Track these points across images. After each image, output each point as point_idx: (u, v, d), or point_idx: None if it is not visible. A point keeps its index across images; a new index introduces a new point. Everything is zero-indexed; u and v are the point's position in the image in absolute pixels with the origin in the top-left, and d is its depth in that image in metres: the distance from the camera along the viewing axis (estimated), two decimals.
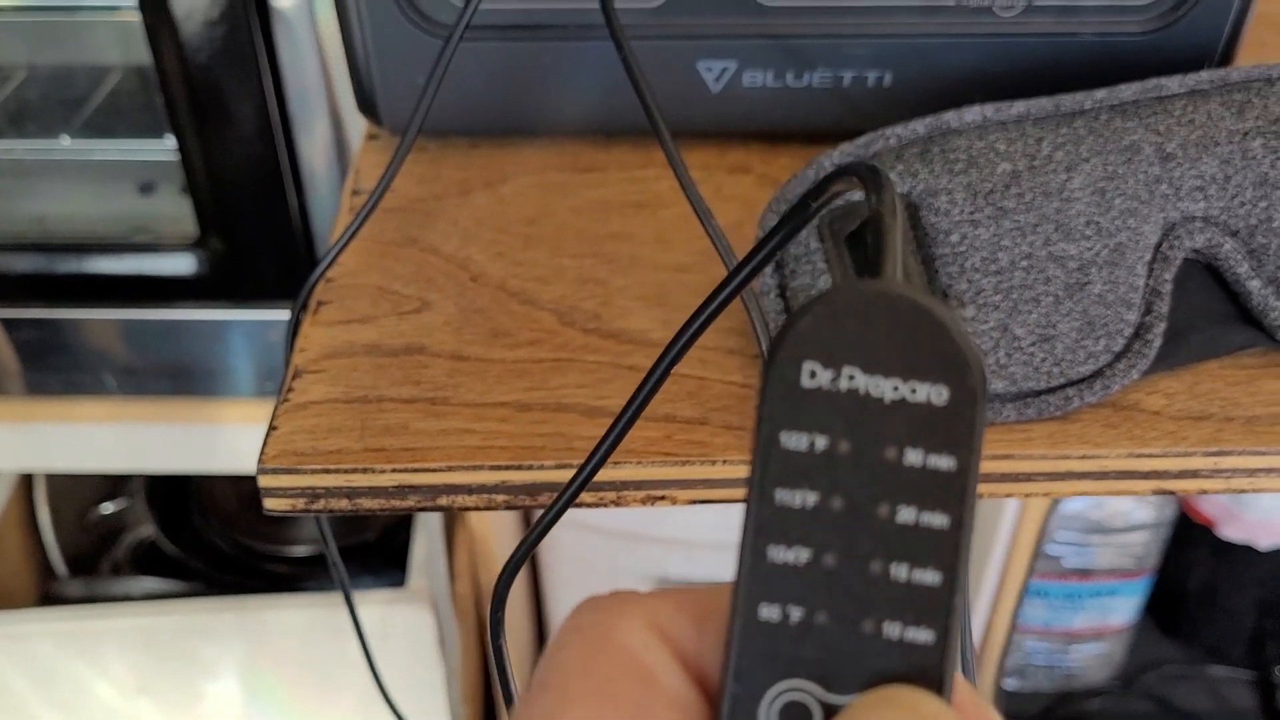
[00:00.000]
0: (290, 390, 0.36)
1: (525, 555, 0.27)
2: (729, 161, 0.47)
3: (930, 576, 0.18)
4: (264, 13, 0.54)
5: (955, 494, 0.18)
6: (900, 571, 0.18)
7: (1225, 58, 0.44)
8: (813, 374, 0.18)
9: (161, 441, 0.70)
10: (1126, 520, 0.82)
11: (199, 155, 0.57)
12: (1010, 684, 0.93)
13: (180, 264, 0.62)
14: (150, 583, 0.86)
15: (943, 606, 0.18)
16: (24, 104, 0.71)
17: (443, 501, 0.35)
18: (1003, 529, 0.75)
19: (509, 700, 0.28)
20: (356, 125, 0.58)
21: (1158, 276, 0.35)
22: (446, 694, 0.75)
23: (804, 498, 0.18)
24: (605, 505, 0.35)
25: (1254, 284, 0.36)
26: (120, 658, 0.73)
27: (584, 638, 0.20)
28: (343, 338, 0.38)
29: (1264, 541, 0.85)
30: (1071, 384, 0.35)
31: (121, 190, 0.69)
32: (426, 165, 0.47)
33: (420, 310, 0.40)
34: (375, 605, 0.70)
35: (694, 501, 0.35)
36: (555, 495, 0.30)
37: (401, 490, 0.34)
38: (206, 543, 0.88)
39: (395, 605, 0.70)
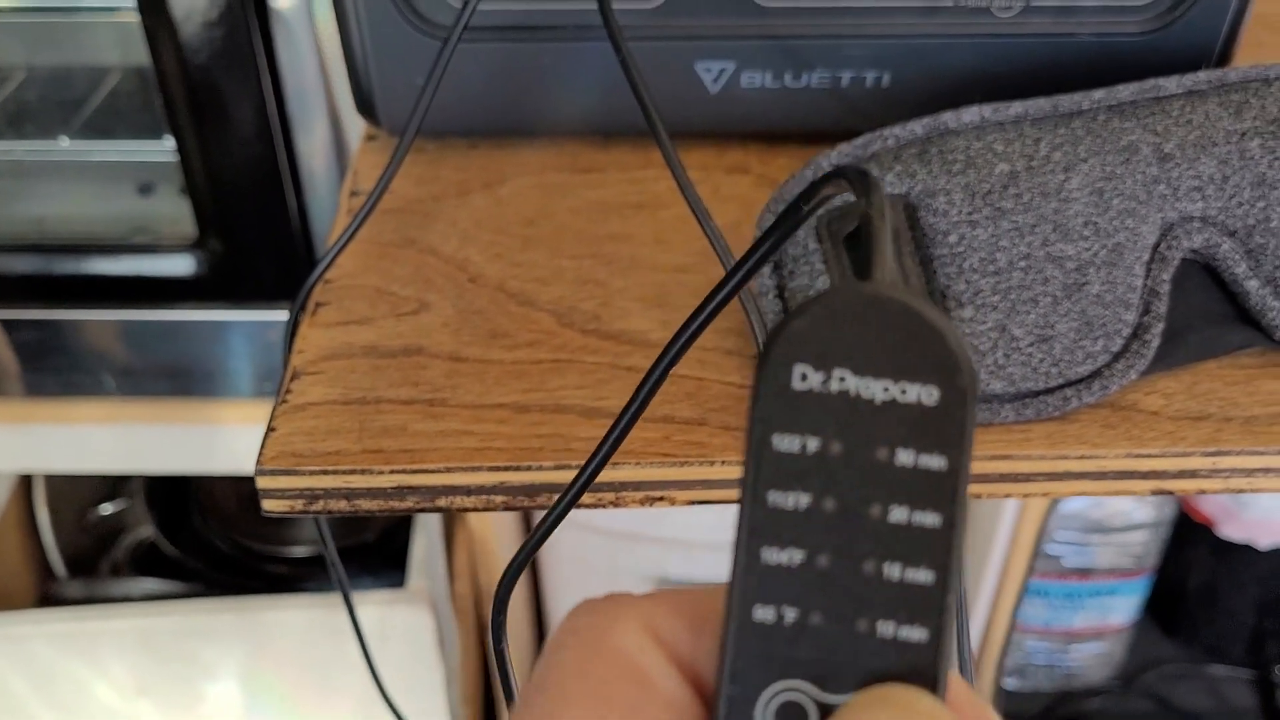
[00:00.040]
0: (288, 392, 0.36)
1: (525, 561, 0.27)
2: (727, 162, 0.47)
3: (923, 575, 0.18)
4: (263, 13, 0.54)
5: (947, 493, 0.18)
6: (893, 571, 0.18)
7: (1223, 58, 0.44)
8: (804, 376, 0.18)
9: (160, 442, 0.70)
10: (1126, 519, 0.82)
11: (198, 156, 0.57)
12: (1010, 683, 0.93)
13: (179, 265, 0.62)
14: (149, 583, 0.86)
15: (936, 605, 0.18)
16: (23, 105, 0.71)
17: (441, 503, 0.35)
18: (1002, 528, 0.75)
19: (512, 705, 0.28)
20: (356, 126, 0.58)
21: (1156, 277, 0.35)
22: (446, 695, 0.75)
23: (797, 499, 0.18)
24: (604, 506, 0.35)
25: (1252, 284, 0.36)
26: (120, 659, 0.73)
27: (579, 641, 0.20)
28: (341, 339, 0.38)
29: (1264, 540, 0.85)
30: (1070, 384, 0.35)
31: (120, 191, 0.69)
32: (425, 166, 0.47)
33: (418, 311, 0.40)
34: (375, 606, 0.70)
35: (692, 502, 0.35)
36: (554, 496, 0.30)
37: (400, 491, 0.34)
38: (206, 543, 0.88)
39: (395, 606, 0.70)
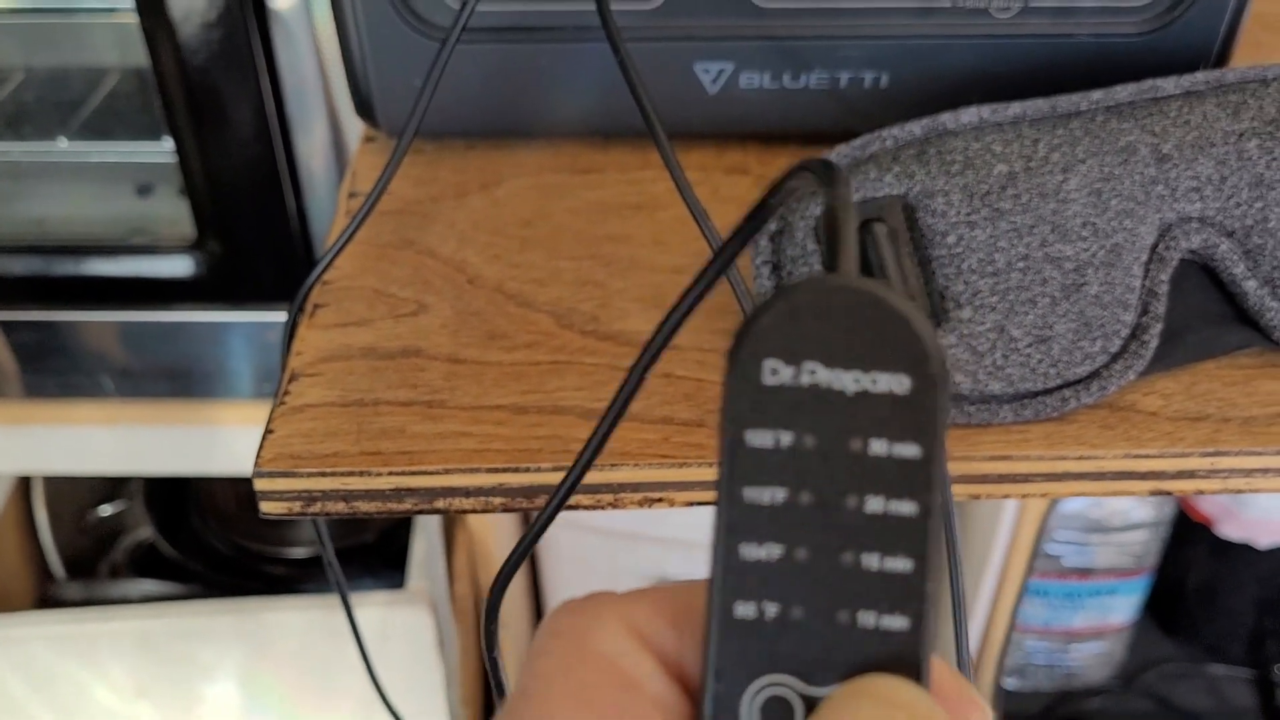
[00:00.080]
0: (286, 393, 0.36)
1: (516, 565, 0.27)
2: (726, 162, 0.47)
3: (902, 564, 0.18)
4: (261, 14, 0.54)
5: (921, 481, 0.18)
6: (872, 561, 0.18)
7: (1221, 59, 0.44)
8: (774, 371, 0.18)
9: (159, 443, 0.70)
10: (1125, 519, 0.82)
11: (197, 157, 0.57)
12: (1010, 683, 0.93)
13: (178, 266, 0.62)
14: (149, 585, 0.86)
15: (916, 593, 0.18)
16: (21, 106, 0.71)
17: (440, 504, 0.35)
18: (1002, 528, 0.75)
19: (496, 712, 0.28)
20: (355, 127, 0.58)
21: (1154, 277, 0.35)
22: (446, 695, 0.75)
23: (773, 494, 0.18)
24: (602, 508, 0.35)
25: (1250, 284, 0.36)
26: (119, 660, 0.73)
27: (562, 645, 0.20)
28: (339, 340, 0.38)
29: (1263, 540, 0.85)
30: (1068, 385, 0.35)
31: (119, 192, 0.69)
32: (423, 167, 0.47)
33: (417, 313, 0.40)
34: (374, 607, 0.70)
35: (691, 503, 0.35)
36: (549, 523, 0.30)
37: (398, 493, 0.34)
38: (205, 545, 0.88)
39: (394, 607, 0.70)
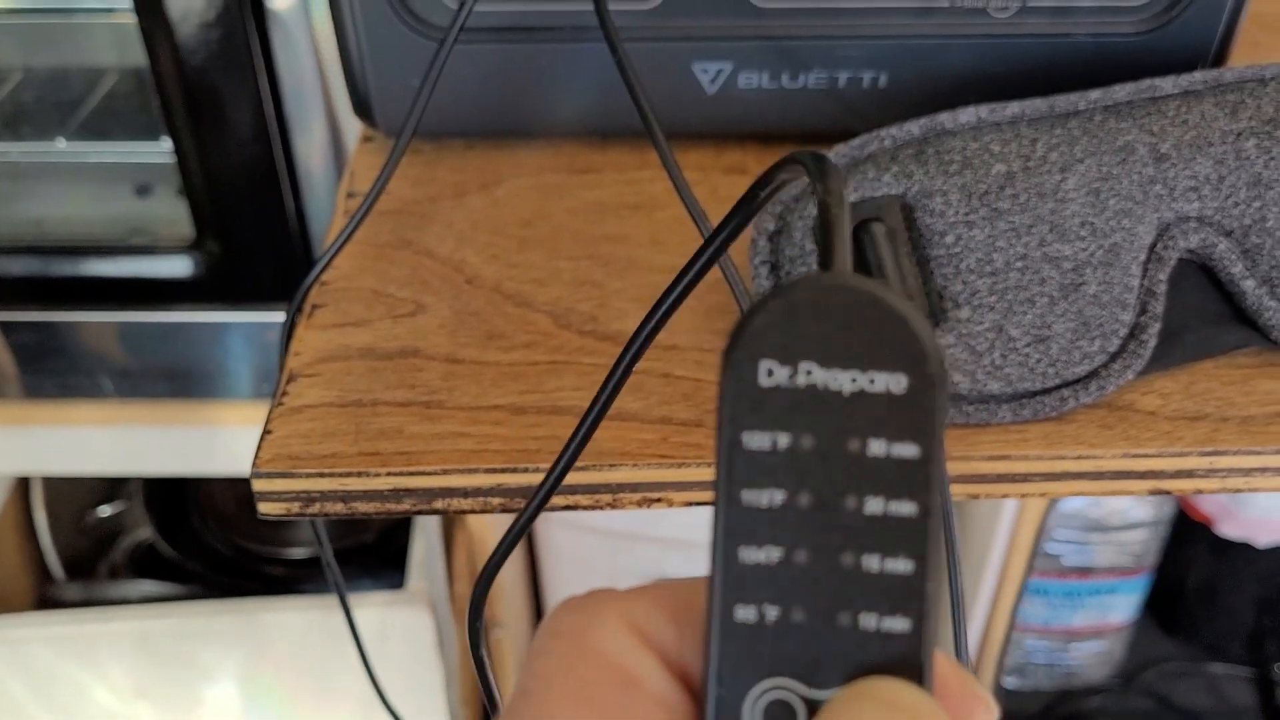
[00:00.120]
0: (284, 394, 0.36)
1: (500, 563, 0.27)
2: (725, 162, 0.47)
3: (902, 565, 0.18)
4: (259, 14, 0.54)
5: (921, 481, 0.18)
6: (872, 563, 0.18)
7: (1219, 58, 0.44)
8: (770, 372, 0.18)
9: (159, 444, 0.70)
10: (1125, 518, 0.82)
11: (195, 157, 0.57)
12: (1010, 682, 0.93)
13: (177, 266, 0.62)
14: (148, 586, 0.86)
15: (917, 594, 0.18)
16: (20, 106, 0.71)
17: (438, 505, 0.34)
18: (1001, 528, 0.75)
19: (495, 711, 0.28)
20: (353, 126, 0.58)
21: (1152, 277, 0.35)
22: (445, 696, 0.75)
23: (771, 496, 0.18)
24: (601, 508, 0.35)
25: (1248, 284, 0.36)
26: (118, 661, 0.73)
27: (563, 644, 0.20)
28: (337, 341, 0.38)
29: (1262, 539, 0.85)
30: (1067, 384, 0.35)
31: (118, 192, 0.69)
32: (421, 167, 0.47)
33: (415, 313, 0.40)
34: (374, 607, 0.70)
35: (690, 503, 0.35)
36: (554, 497, 0.30)
37: (396, 494, 0.34)
38: (205, 545, 0.88)
39: (394, 607, 0.70)
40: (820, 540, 0.18)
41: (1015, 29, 0.43)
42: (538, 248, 0.42)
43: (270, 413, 0.36)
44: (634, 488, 0.34)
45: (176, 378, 0.66)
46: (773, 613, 0.19)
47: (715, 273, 0.38)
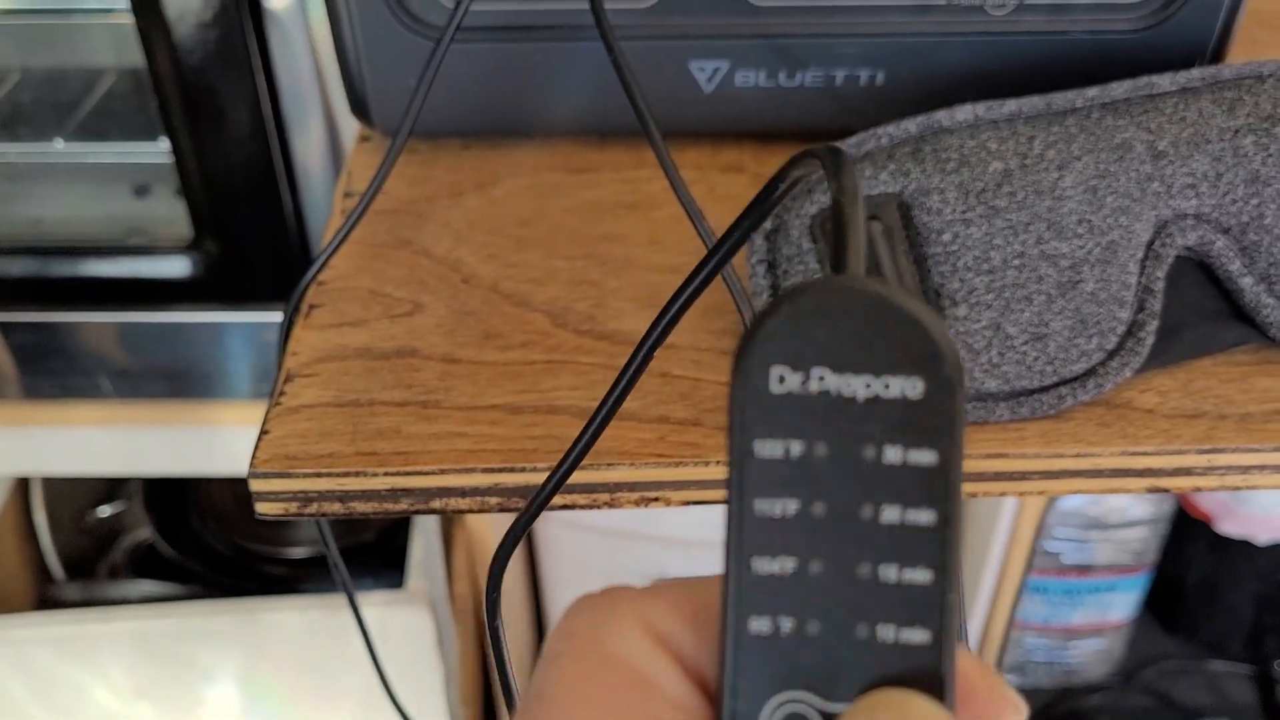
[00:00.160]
0: (282, 394, 0.36)
1: (522, 533, 0.27)
2: (722, 161, 0.47)
3: (921, 575, 0.18)
4: (257, 14, 0.54)
5: (939, 488, 0.17)
6: (889, 573, 0.18)
7: (1216, 55, 0.44)
8: (782, 379, 0.17)
9: (158, 444, 0.69)
10: (1124, 516, 0.82)
11: (193, 157, 0.57)
12: (1010, 680, 0.93)
13: (175, 266, 0.62)
14: (148, 586, 0.86)
15: (936, 605, 0.18)
16: (17, 107, 0.71)
17: (436, 504, 0.34)
18: (1001, 526, 0.75)
19: (506, 686, 0.28)
20: (351, 126, 0.57)
21: (1150, 274, 0.35)
22: (445, 695, 0.75)
23: (785, 506, 0.18)
24: (599, 506, 0.35)
25: (1246, 281, 0.36)
26: (118, 662, 0.73)
27: (578, 645, 0.20)
28: (335, 341, 0.38)
29: (1262, 536, 0.85)
30: (1065, 382, 0.35)
31: (116, 193, 0.69)
32: (418, 167, 0.47)
33: (412, 313, 0.39)
34: (373, 607, 0.70)
35: (687, 503, 0.35)
36: (553, 495, 0.30)
37: (394, 493, 0.34)
38: (204, 545, 0.88)
39: (393, 607, 0.70)
40: (836, 550, 0.18)
41: (1012, 26, 0.43)
42: (535, 247, 0.42)
43: (267, 413, 0.36)
44: (631, 487, 0.34)
45: (175, 378, 0.66)
46: (788, 624, 0.18)
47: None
